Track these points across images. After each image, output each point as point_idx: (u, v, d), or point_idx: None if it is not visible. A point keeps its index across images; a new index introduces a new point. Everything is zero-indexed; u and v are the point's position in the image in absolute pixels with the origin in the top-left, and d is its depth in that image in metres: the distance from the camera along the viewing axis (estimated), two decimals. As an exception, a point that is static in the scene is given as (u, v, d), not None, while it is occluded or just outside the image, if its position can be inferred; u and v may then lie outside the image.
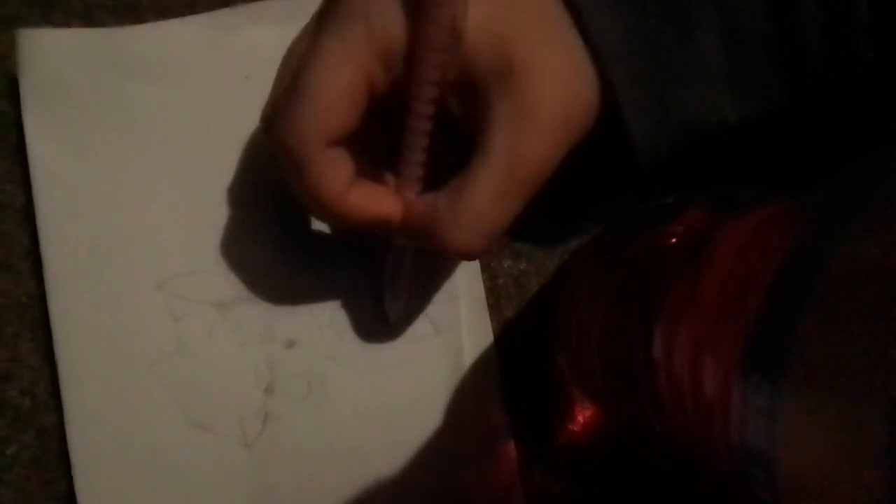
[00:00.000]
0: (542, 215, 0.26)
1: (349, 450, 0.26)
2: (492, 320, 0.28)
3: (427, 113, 0.20)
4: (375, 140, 0.22)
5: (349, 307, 0.27)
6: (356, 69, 0.19)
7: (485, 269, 0.28)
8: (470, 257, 0.21)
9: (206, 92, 0.27)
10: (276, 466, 0.26)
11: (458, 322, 0.27)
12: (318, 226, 0.28)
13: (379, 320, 0.27)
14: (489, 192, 0.20)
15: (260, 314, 0.27)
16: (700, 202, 0.23)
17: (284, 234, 0.27)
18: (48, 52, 0.27)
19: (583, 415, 0.27)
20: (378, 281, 0.27)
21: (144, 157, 0.27)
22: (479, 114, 0.20)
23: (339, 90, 0.19)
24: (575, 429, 0.28)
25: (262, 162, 0.27)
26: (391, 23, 0.19)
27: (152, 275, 0.26)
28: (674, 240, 0.22)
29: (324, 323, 0.27)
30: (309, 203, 0.21)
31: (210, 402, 0.26)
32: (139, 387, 0.26)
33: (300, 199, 0.21)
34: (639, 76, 0.19)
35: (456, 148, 0.21)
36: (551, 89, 0.19)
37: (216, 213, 0.27)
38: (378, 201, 0.21)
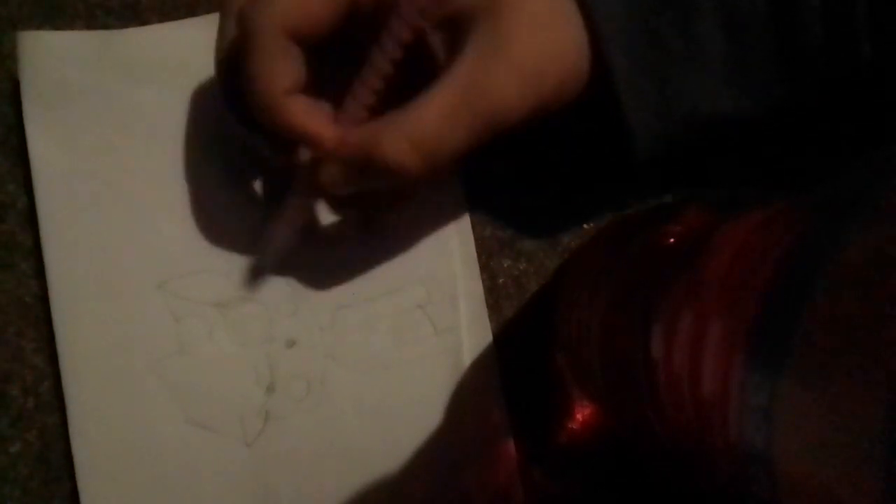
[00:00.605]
0: (541, 214, 0.26)
1: (349, 449, 0.26)
2: (491, 320, 0.28)
3: (392, 55, 0.20)
4: (327, 81, 0.22)
5: (352, 305, 0.27)
6: None
7: (484, 269, 0.28)
8: (407, 175, 0.20)
9: (206, 93, 0.27)
10: (277, 466, 0.26)
11: (457, 322, 0.27)
12: (320, 223, 0.28)
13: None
14: (437, 109, 0.20)
15: (260, 314, 0.27)
16: (700, 202, 0.23)
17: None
18: (49, 53, 0.27)
19: (582, 414, 0.27)
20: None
21: (145, 157, 0.27)
22: (455, 49, 0.20)
23: None
24: (574, 428, 0.28)
25: (263, 162, 0.27)
26: None
27: (153, 275, 0.26)
28: (673, 240, 0.22)
29: (324, 323, 0.27)
30: (251, 96, 0.21)
31: (211, 402, 0.26)
32: (141, 386, 0.26)
33: (247, 92, 0.21)
34: (638, 61, 0.19)
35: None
36: (529, 31, 0.19)
37: (216, 214, 0.27)
38: (313, 118, 0.21)
